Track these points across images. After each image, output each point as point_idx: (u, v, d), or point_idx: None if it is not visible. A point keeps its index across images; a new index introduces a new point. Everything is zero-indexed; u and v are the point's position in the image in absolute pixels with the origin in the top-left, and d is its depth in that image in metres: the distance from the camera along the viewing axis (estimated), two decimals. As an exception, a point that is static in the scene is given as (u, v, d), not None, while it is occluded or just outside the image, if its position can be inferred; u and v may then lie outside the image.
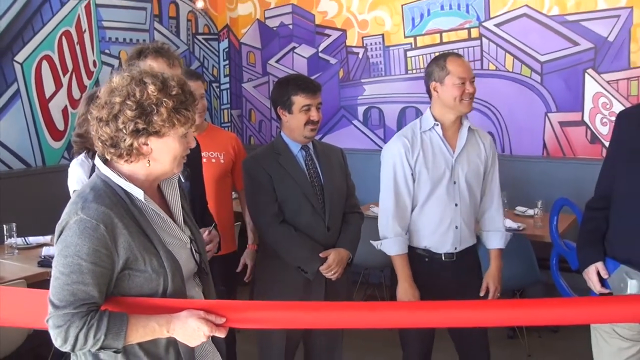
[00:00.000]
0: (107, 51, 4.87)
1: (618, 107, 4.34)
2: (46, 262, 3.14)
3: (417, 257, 2.69)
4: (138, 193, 1.58)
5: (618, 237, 2.22)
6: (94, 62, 4.78)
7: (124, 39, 4.98)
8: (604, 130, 4.49)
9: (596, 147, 4.53)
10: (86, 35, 4.71)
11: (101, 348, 1.51)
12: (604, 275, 2.21)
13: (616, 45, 4.40)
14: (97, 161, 1.62)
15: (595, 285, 2.23)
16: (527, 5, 4.65)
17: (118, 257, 1.51)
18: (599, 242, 2.27)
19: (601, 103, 4.51)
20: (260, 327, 2.35)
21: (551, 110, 4.67)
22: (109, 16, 4.86)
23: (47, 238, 3.56)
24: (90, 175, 2.30)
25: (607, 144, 3.21)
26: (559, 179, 4.47)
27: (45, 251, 3.29)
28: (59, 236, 1.52)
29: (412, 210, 2.69)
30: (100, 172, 1.60)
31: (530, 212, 4.33)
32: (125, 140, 1.52)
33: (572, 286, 2.58)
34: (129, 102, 1.51)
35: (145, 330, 1.53)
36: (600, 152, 4.44)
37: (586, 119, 4.57)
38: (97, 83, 4.75)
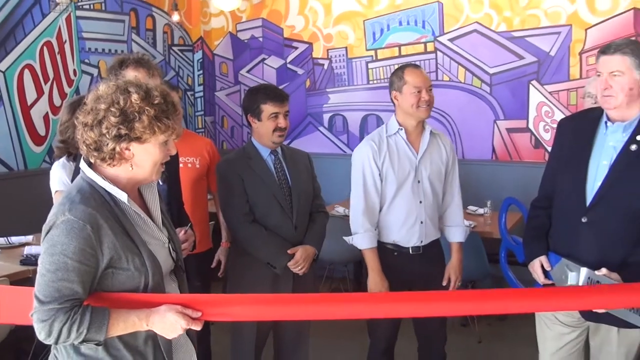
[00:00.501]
0: (86, 61, 4.78)
1: (559, 115, 4.43)
2: (28, 261, 3.05)
3: (387, 251, 2.71)
4: (122, 196, 1.56)
5: (560, 233, 2.26)
6: (74, 71, 4.69)
7: (103, 49, 4.90)
8: (547, 136, 4.57)
9: (540, 151, 4.61)
10: (67, 46, 4.61)
11: (83, 341, 1.49)
12: (547, 267, 2.24)
13: (557, 59, 4.49)
14: (83, 165, 1.60)
15: (539, 276, 2.27)
16: (477, 22, 4.72)
17: (102, 256, 1.50)
18: (543, 237, 2.31)
19: (544, 112, 4.60)
20: (233, 320, 2.34)
21: (499, 118, 4.74)
22: (89, 28, 4.77)
23: (29, 238, 3.47)
24: (72, 176, 2.27)
25: (549, 148, 3.27)
26: (506, 180, 4.53)
27: (27, 250, 3.20)
28: (46, 235, 1.49)
29: (381, 208, 2.71)
30: (86, 175, 1.58)
31: (481, 211, 4.38)
32: (108, 144, 1.51)
33: (519, 278, 2.62)
34: (113, 109, 1.50)
35: (125, 324, 1.51)
36: (543, 156, 4.51)
37: (531, 126, 4.66)
38: (77, 91, 4.66)
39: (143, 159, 1.56)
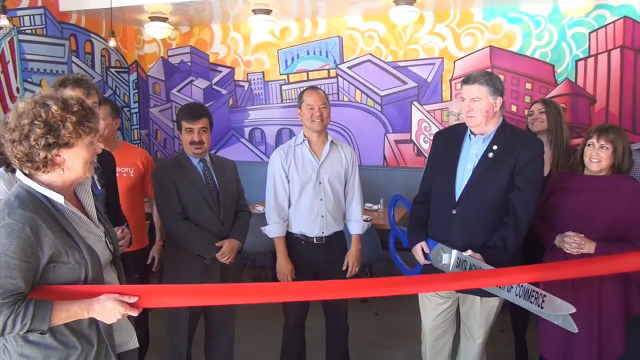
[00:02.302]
0: (29, 80, 4.46)
1: (435, 130, 4.64)
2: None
3: (296, 240, 2.73)
4: (58, 198, 1.48)
5: (435, 223, 2.36)
6: (17, 88, 4.36)
7: (45, 70, 4.59)
8: (426, 146, 4.78)
9: (420, 158, 4.80)
10: (10, 66, 4.28)
11: (28, 331, 1.40)
12: (427, 250, 2.34)
13: (433, 85, 4.71)
14: (19, 174, 1.50)
15: (420, 258, 2.36)
16: (370, 54, 4.85)
17: (43, 254, 1.41)
18: (423, 227, 2.40)
19: (423, 127, 4.80)
20: (167, 306, 2.26)
21: (389, 131, 4.90)
22: (31, 50, 4.46)
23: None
24: (10, 185, 2.11)
25: (427, 155, 3.42)
26: (395, 182, 4.68)
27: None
28: None
29: (291, 204, 2.73)
30: (23, 183, 1.48)
31: (375, 207, 4.51)
32: (39, 154, 1.43)
33: (405, 259, 2.71)
34: (36, 122, 1.42)
35: (68, 314, 1.44)
36: (423, 162, 4.62)
37: (413, 138, 4.85)
38: (20, 106, 4.33)
39: (74, 161, 1.49)
